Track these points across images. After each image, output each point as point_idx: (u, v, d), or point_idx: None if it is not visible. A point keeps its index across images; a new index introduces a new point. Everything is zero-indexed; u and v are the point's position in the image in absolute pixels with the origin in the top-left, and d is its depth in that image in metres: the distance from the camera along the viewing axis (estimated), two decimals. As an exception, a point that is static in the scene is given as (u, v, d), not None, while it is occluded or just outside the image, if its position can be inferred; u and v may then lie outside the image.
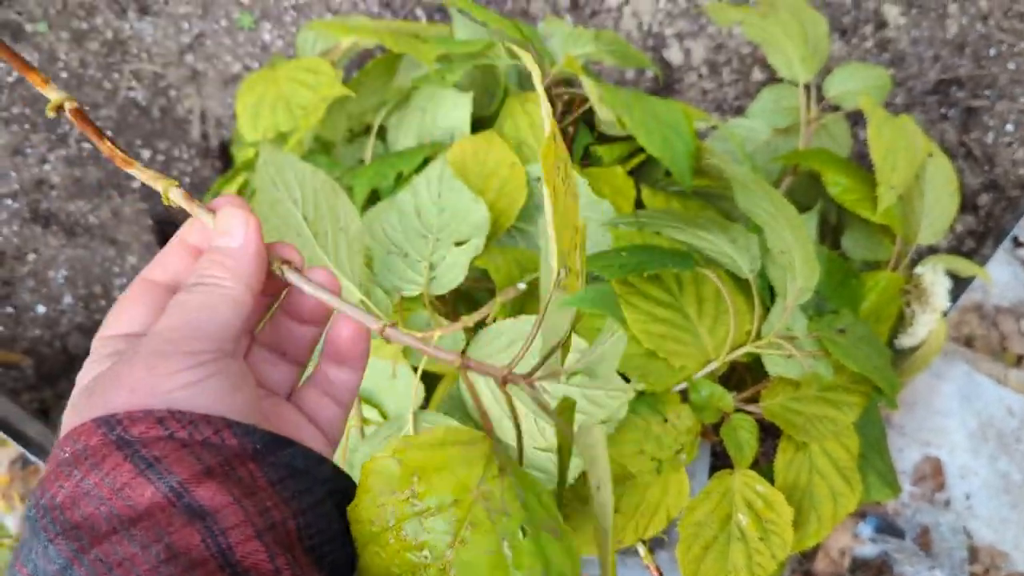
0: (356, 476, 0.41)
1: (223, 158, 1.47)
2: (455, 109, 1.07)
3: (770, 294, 0.94)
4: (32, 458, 1.27)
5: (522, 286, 0.78)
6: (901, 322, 1.15)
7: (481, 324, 0.94)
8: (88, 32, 1.50)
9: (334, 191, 0.86)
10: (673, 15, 1.45)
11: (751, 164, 1.01)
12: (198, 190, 1.45)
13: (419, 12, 1.48)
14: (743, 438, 0.92)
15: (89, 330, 1.38)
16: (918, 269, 1.12)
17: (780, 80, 1.20)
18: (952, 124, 1.35)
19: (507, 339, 0.87)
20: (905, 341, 1.14)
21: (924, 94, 1.37)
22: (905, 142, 1.06)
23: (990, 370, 1.66)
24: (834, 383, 0.93)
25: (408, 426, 0.85)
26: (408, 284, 0.91)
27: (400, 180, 1.03)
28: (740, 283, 0.94)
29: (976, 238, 1.32)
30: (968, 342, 1.72)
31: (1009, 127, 1.34)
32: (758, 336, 0.92)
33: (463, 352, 0.88)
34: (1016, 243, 1.75)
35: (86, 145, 1.45)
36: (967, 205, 1.33)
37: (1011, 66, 1.36)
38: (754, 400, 0.95)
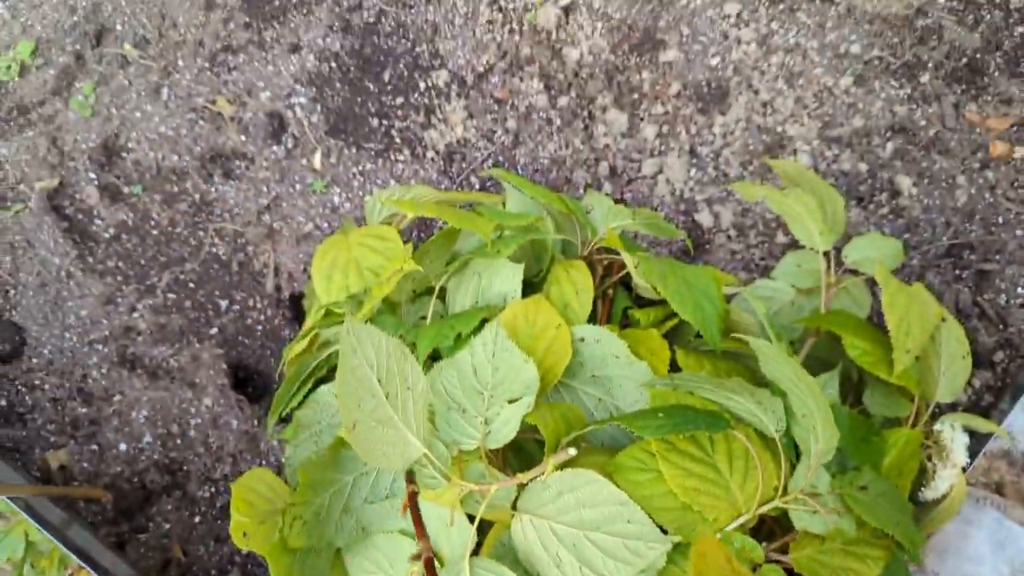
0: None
1: (293, 309, 1.60)
2: (509, 277, 1.19)
3: (795, 451, 1.02)
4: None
5: (573, 452, 0.88)
6: (923, 476, 1.21)
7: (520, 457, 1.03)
8: (178, 194, 1.67)
9: (404, 356, 0.97)
10: (703, 182, 1.59)
11: (774, 330, 1.11)
12: (269, 337, 1.58)
13: (473, 179, 1.64)
14: (774, 589, 0.98)
15: (165, 467, 1.48)
16: (937, 426, 1.19)
17: (802, 245, 1.31)
18: (966, 285, 1.45)
19: (555, 490, 0.96)
20: (928, 495, 1.20)
21: (938, 257, 1.47)
22: (918, 308, 1.15)
23: (1021, 517, 1.68)
24: (858, 537, 0.99)
25: (464, 573, 0.93)
26: (466, 439, 1.01)
27: (459, 340, 1.14)
28: (767, 441, 1.02)
29: (994, 393, 1.39)
30: (998, 489, 1.75)
31: (1020, 290, 1.43)
32: (784, 491, 0.99)
33: (515, 502, 0.97)
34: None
35: (172, 295, 1.60)
36: (984, 362, 1.40)
37: (1019, 232, 1.46)
38: (783, 551, 1.02)
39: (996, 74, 1.61)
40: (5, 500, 1.47)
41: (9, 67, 1.73)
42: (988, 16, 1.67)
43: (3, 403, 1.52)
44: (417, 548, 1.01)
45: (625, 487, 0.98)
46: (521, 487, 0.98)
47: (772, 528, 1.08)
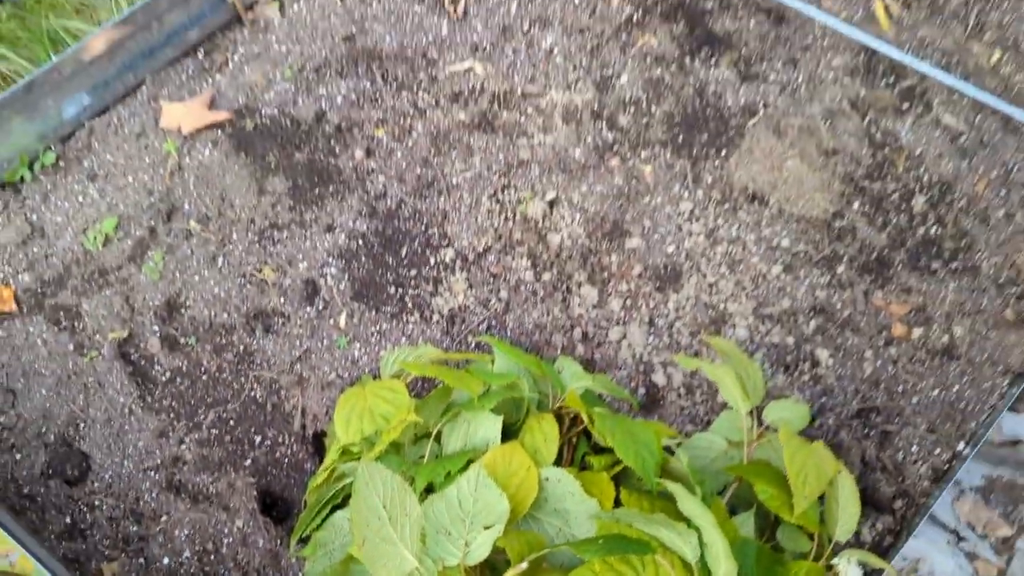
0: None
1: (315, 445, 1.88)
2: (491, 426, 1.48)
3: (707, 574, 1.27)
4: None
5: (524, 566, 1.15)
6: (827, 602, 1.45)
7: (500, 588, 1.28)
8: (225, 346, 1.99)
9: (404, 490, 1.24)
10: (659, 348, 1.90)
11: (696, 476, 1.38)
12: (294, 468, 1.85)
13: (471, 339, 1.95)
14: None
15: (199, 578, 1.73)
16: (834, 560, 1.44)
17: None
18: (872, 443, 1.72)
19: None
20: (829, 618, 1.43)
21: (849, 418, 1.75)
22: (815, 462, 1.43)
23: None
24: (758, 646, 1.23)
25: (444, 663, 1.17)
26: (450, 557, 1.27)
27: (449, 476, 1.41)
28: (687, 566, 1.27)
29: (893, 535, 1.64)
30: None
31: (914, 448, 1.70)
32: (699, 607, 1.24)
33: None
34: (959, 537, 2.04)
35: (214, 431, 1.88)
36: (885, 509, 1.66)
37: (914, 400, 1.75)
38: (700, 657, 1.25)
39: (900, 268, 1.94)
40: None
41: (95, 238, 2.09)
42: (895, 220, 2.03)
43: (68, 520, 1.78)
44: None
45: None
46: (494, 593, 1.23)
47: (692, 638, 1.32)
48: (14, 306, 2.02)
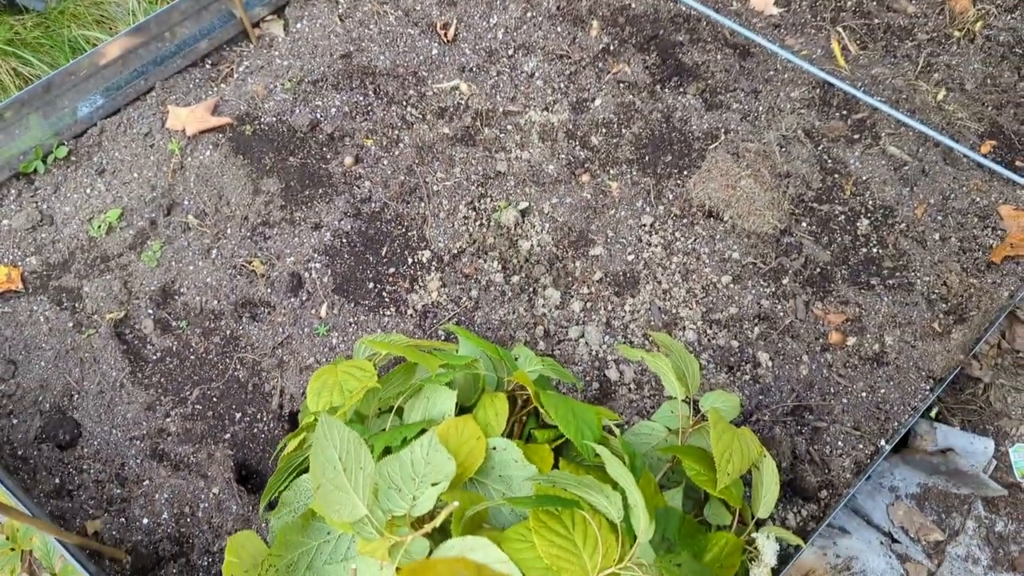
0: None
1: (291, 422, 2.00)
2: (446, 400, 1.60)
3: (633, 535, 1.38)
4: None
5: (456, 504, 1.27)
6: (747, 575, 1.56)
7: (444, 541, 1.39)
8: (214, 330, 2.12)
9: (360, 444, 1.36)
10: (612, 346, 2.02)
11: (627, 450, 1.50)
12: (270, 444, 1.97)
13: (440, 333, 2.08)
14: (609, 634, 1.32)
15: (176, 539, 1.83)
16: (754, 535, 1.55)
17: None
18: (804, 438, 1.84)
19: (459, 549, 1.33)
20: (748, 588, 1.54)
21: (784, 415, 1.87)
22: (740, 444, 1.54)
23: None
24: (672, 600, 1.34)
25: (385, 597, 1.28)
26: (398, 508, 1.39)
27: (404, 442, 1.53)
28: (613, 525, 1.39)
29: (816, 520, 1.75)
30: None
31: (840, 443, 1.81)
32: (620, 561, 1.35)
33: (429, 554, 1.35)
34: (893, 539, 2.14)
35: (198, 406, 2.01)
36: (810, 497, 1.77)
37: (844, 401, 1.86)
38: (620, 609, 1.36)
39: (840, 282, 2.07)
40: (48, 558, 1.82)
41: (100, 226, 2.23)
42: (839, 239, 2.16)
43: (57, 481, 1.90)
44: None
45: (509, 552, 1.35)
46: (435, 545, 1.35)
47: (615, 593, 1.43)
48: (20, 286, 2.15)
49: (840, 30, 2.57)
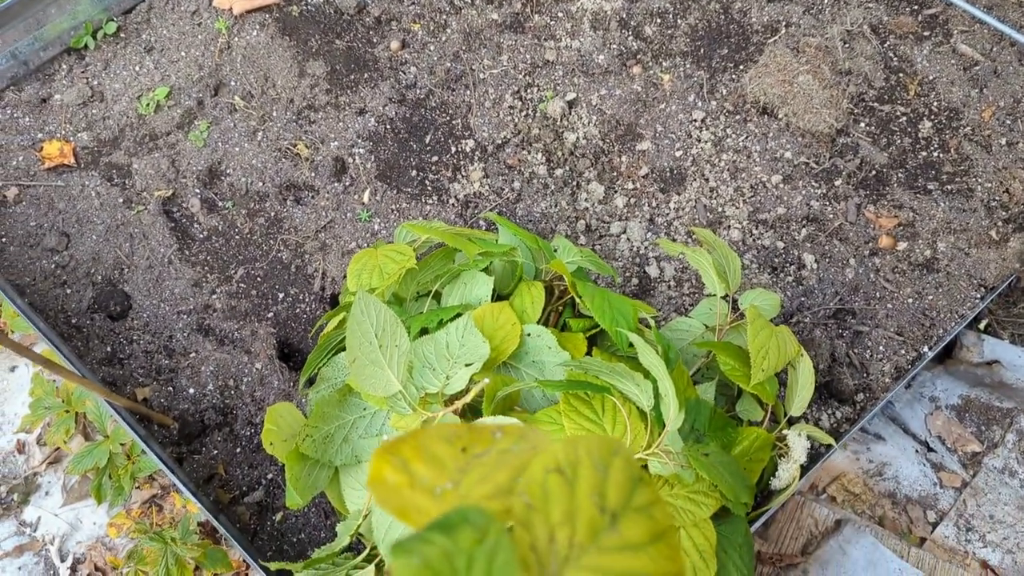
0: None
1: (332, 304, 2.02)
2: (483, 286, 1.60)
3: (662, 424, 1.38)
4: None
5: (487, 380, 1.27)
6: (776, 470, 1.55)
7: (475, 419, 1.41)
8: (259, 211, 2.13)
9: (396, 322, 1.37)
10: (654, 243, 1.99)
11: (661, 343, 1.48)
12: (311, 324, 2.00)
13: (481, 223, 2.06)
14: (633, 516, 1.34)
15: (220, 410, 1.89)
16: (785, 431, 1.54)
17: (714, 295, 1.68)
18: (844, 341, 1.80)
19: (491, 428, 1.34)
20: (775, 483, 1.54)
21: (826, 318, 1.83)
22: (777, 342, 1.52)
23: (895, 546, 1.98)
24: (696, 488, 1.35)
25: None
26: (431, 385, 1.40)
27: (440, 324, 1.54)
28: (643, 413, 1.39)
29: (850, 423, 1.73)
30: (880, 522, 2.05)
31: (882, 348, 1.77)
32: (648, 447, 1.35)
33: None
34: (929, 448, 2.12)
35: (243, 285, 2.04)
36: (847, 399, 1.74)
37: (889, 306, 1.81)
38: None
39: (896, 185, 1.99)
40: (101, 421, 1.90)
41: (148, 104, 2.23)
42: (899, 141, 2.06)
43: (108, 349, 1.96)
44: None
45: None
46: (470, 420, 1.36)
47: (642, 479, 1.44)
48: (73, 161, 2.17)
49: (919, -82, 2.39)
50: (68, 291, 2.02)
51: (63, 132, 2.21)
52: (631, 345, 1.49)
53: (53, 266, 2.03)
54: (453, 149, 2.15)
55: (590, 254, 1.68)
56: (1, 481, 2.05)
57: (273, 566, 1.46)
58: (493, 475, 0.51)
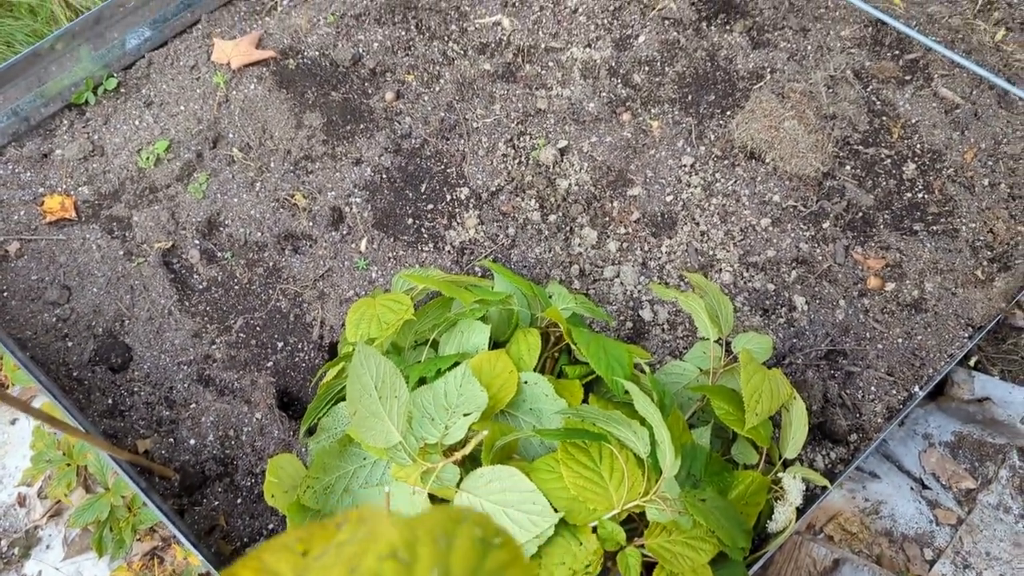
0: None
1: (331, 352, 2.05)
2: (480, 334, 1.63)
3: (659, 470, 1.40)
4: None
5: (485, 432, 1.29)
6: (772, 513, 1.57)
7: (474, 469, 1.43)
8: (257, 261, 2.16)
9: (395, 373, 1.40)
10: (647, 287, 2.02)
11: (656, 388, 1.51)
12: (310, 373, 2.02)
13: (477, 269, 2.10)
14: (631, 563, 1.35)
15: (221, 460, 1.91)
16: (780, 474, 1.56)
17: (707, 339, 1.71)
18: (836, 382, 1.83)
19: (488, 478, 1.36)
20: (771, 526, 1.56)
21: (818, 359, 1.86)
22: (770, 385, 1.55)
23: (892, 583, 1.99)
24: (694, 534, 1.37)
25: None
26: (431, 436, 1.42)
27: (439, 373, 1.56)
28: (640, 460, 1.41)
29: (844, 464, 1.75)
30: (878, 560, 2.06)
31: (873, 389, 1.80)
32: (645, 494, 1.37)
33: (459, 483, 1.39)
34: (923, 486, 2.14)
35: (242, 335, 2.06)
36: (840, 440, 1.77)
37: (879, 346, 1.84)
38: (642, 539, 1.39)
39: (882, 227, 2.03)
40: (103, 473, 1.91)
41: (148, 158, 2.27)
42: (884, 183, 2.11)
43: (110, 401, 1.98)
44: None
45: (536, 482, 1.38)
46: (465, 473, 1.38)
47: (638, 525, 1.46)
48: (74, 214, 2.21)
49: (897, -34, 2.46)
50: (69, 344, 2.04)
51: (64, 186, 2.25)
52: (627, 392, 1.52)
53: (54, 319, 2.06)
54: (448, 197, 2.19)
55: (584, 300, 1.72)
56: (2, 535, 2.05)
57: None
58: (330, 574, 0.49)
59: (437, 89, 2.36)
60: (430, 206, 2.19)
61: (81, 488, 2.03)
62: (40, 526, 2.05)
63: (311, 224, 2.18)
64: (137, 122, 2.34)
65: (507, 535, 0.49)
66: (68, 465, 1.95)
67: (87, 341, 2.04)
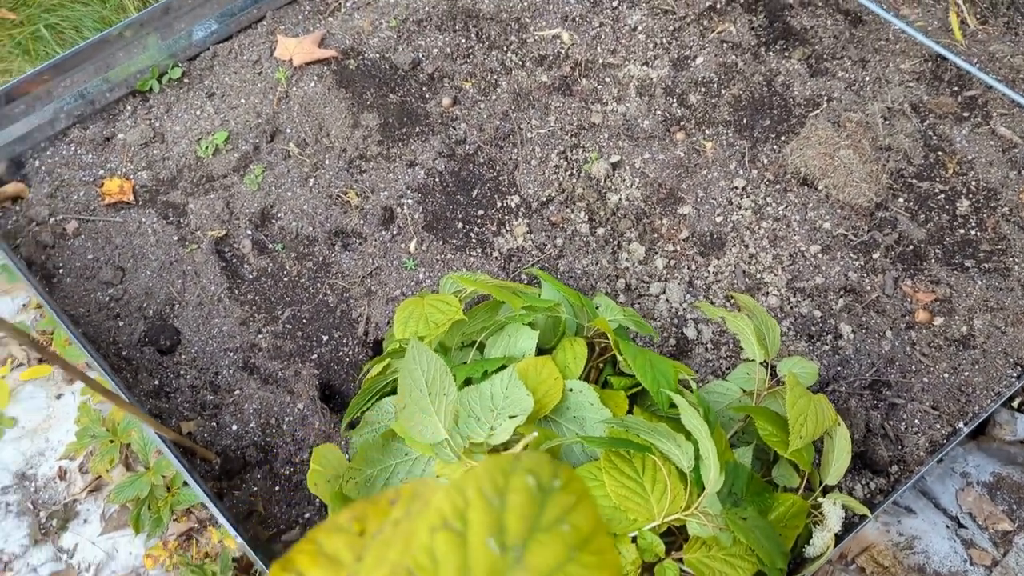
0: None
1: (375, 349, 2.08)
2: (527, 340, 1.65)
3: (702, 485, 1.42)
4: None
5: (535, 434, 1.32)
6: (810, 538, 1.57)
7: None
8: (307, 255, 2.20)
9: (445, 372, 1.42)
10: (693, 305, 2.03)
11: (701, 404, 1.52)
12: (353, 368, 2.06)
13: (523, 277, 2.12)
14: (669, 576, 1.36)
15: (261, 447, 1.94)
16: (820, 499, 1.56)
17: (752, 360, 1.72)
18: (879, 412, 1.82)
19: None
20: (809, 551, 1.56)
21: (862, 388, 1.86)
22: (815, 410, 1.55)
23: (926, 620, 1.97)
24: (733, 551, 1.38)
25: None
26: (476, 435, 1.45)
27: (485, 375, 1.59)
28: (682, 473, 1.42)
29: (883, 495, 1.74)
30: (912, 595, 2.05)
31: (917, 422, 1.80)
32: (687, 508, 1.39)
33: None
34: (959, 524, 2.12)
35: (288, 326, 2.10)
36: (881, 471, 1.76)
37: (925, 380, 1.84)
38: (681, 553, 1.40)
39: (933, 261, 2.03)
40: (145, 452, 1.96)
41: (207, 147, 2.33)
42: (936, 217, 2.11)
43: (156, 383, 2.02)
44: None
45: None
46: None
47: (677, 539, 1.47)
48: (132, 198, 2.27)
49: (960, 2, 2.47)
50: (120, 323, 2.09)
51: (124, 170, 2.31)
52: (672, 406, 1.53)
53: (107, 299, 2.11)
54: (499, 204, 2.22)
55: (632, 313, 1.73)
56: (41, 507, 2.10)
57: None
58: (386, 554, 0.46)
59: (494, 97, 2.40)
60: (480, 212, 2.22)
61: (122, 466, 2.07)
62: (79, 500, 2.10)
63: (362, 222, 2.22)
64: (198, 112, 2.40)
65: (567, 472, 0.45)
66: (111, 442, 1.99)
67: (138, 322, 2.09)
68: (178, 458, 1.75)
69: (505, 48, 2.49)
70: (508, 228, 2.18)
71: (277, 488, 1.88)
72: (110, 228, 2.22)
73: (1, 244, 2.10)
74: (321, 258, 2.18)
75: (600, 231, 2.15)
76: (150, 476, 1.94)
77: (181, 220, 2.24)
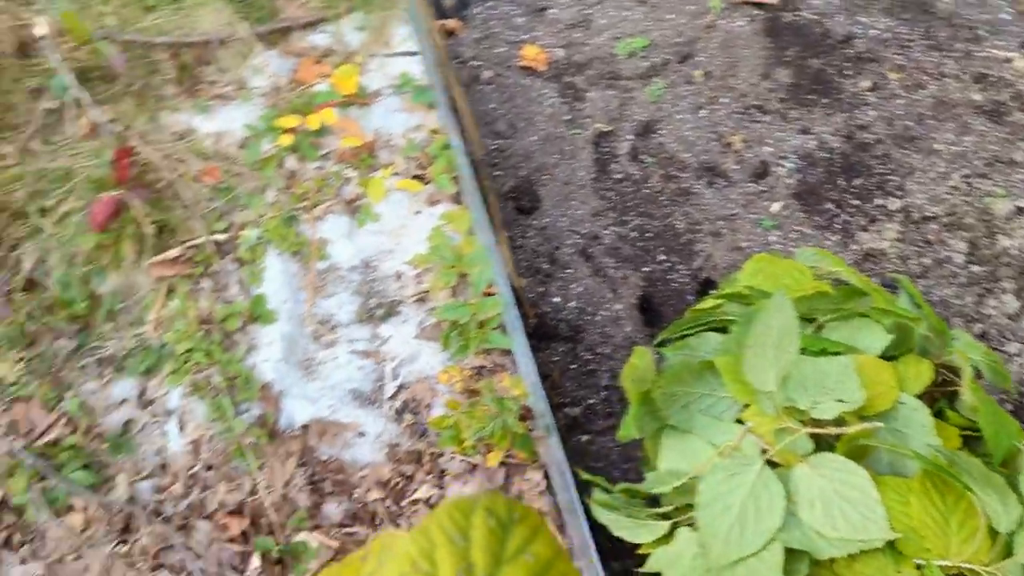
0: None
1: (703, 286, 2.14)
2: (876, 339, 1.62)
3: (1008, 550, 1.34)
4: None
5: (875, 425, 1.31)
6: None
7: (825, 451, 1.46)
8: (673, 177, 2.27)
9: (796, 332, 1.44)
10: (1049, 384, 1.87)
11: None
12: (676, 296, 2.12)
13: (875, 280, 2.06)
14: (938, 618, 1.32)
15: (573, 326, 2.08)
16: None
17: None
18: None
19: (837, 465, 1.39)
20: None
21: None
22: None
23: None
24: (1017, 628, 1.30)
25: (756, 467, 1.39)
26: (799, 402, 1.46)
27: (823, 352, 1.59)
28: (994, 532, 1.35)
29: None
30: None
31: None
32: (988, 564, 1.32)
33: (808, 456, 1.41)
34: None
35: (634, 233, 2.20)
36: None
37: None
38: (959, 605, 1.35)
39: None
40: (477, 286, 2.18)
41: (625, 48, 2.45)
42: None
43: (508, 234, 2.22)
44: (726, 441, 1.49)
45: (881, 493, 1.38)
46: (816, 449, 1.42)
47: (960, 588, 1.41)
48: (544, 68, 2.46)
49: None
50: (496, 173, 2.30)
51: (545, 42, 2.50)
52: (1003, 464, 1.45)
53: (494, 147, 2.33)
54: (878, 201, 2.15)
55: (994, 358, 1.64)
56: (373, 295, 2.42)
57: (584, 476, 1.62)
58: None
59: (915, 97, 2.29)
60: (856, 202, 2.16)
61: (450, 289, 2.32)
62: (404, 302, 2.39)
63: (737, 167, 2.25)
64: (628, 12, 2.51)
65: (523, 508, 0.48)
66: (453, 267, 2.23)
67: (510, 178, 2.29)
68: (507, 299, 1.93)
69: (948, 53, 2.35)
70: (878, 228, 2.11)
71: (574, 367, 2.03)
72: (516, 88, 2.42)
73: (437, 70, 2.38)
74: (686, 185, 2.25)
75: (976, 269, 2.02)
76: (473, 308, 2.16)
77: (577, 104, 2.39)
